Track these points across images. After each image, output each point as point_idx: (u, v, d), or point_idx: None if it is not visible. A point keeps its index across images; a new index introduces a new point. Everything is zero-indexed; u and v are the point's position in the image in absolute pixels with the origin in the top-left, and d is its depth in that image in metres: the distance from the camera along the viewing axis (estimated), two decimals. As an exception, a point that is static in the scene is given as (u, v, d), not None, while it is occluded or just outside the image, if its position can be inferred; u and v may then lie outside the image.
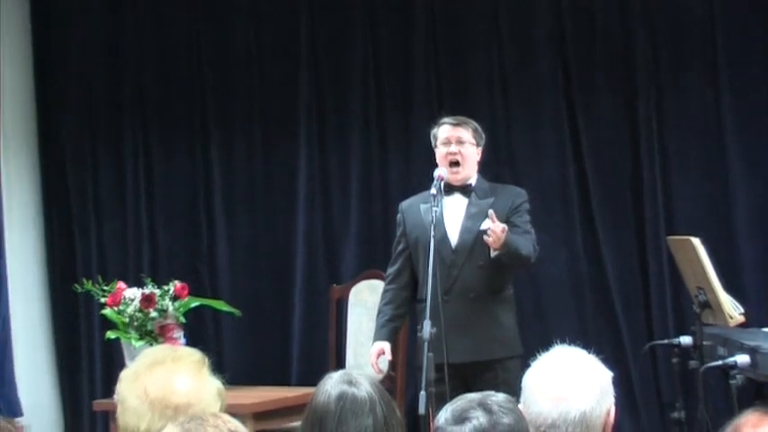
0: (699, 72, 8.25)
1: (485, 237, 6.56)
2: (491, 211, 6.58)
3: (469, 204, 6.86)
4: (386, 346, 6.98)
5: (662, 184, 8.28)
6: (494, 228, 6.51)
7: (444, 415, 3.48)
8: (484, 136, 6.99)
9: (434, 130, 6.97)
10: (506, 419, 3.45)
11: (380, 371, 6.99)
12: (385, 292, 7.21)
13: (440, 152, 6.87)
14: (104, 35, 8.99)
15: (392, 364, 7.78)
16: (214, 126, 8.89)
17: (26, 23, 9.10)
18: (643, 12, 8.29)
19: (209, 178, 8.90)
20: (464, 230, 6.83)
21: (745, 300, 7.24)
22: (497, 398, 3.55)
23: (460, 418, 3.45)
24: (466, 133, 6.90)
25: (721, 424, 3.19)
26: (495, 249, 6.63)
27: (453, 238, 6.83)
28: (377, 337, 7.05)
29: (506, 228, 6.56)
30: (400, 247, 7.06)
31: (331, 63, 8.76)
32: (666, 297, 8.17)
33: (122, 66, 8.99)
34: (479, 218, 6.78)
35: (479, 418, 3.43)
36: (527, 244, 6.79)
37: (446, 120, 6.97)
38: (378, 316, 7.17)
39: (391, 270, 7.13)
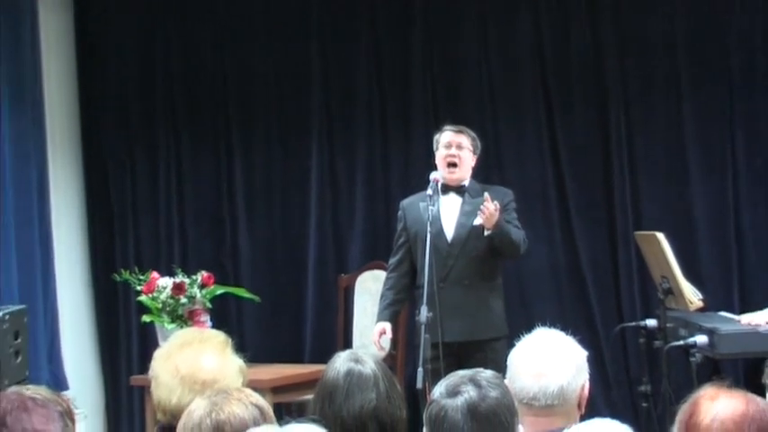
0: (662, 88, 8.27)
1: (478, 213, 6.59)
2: (486, 194, 6.61)
3: (463, 203, 6.89)
4: (387, 326, 7.01)
5: (630, 186, 8.29)
6: (487, 205, 6.54)
7: (439, 389, 3.50)
8: (480, 146, 7.03)
9: (437, 136, 7.00)
10: (494, 393, 3.46)
11: (382, 348, 7.00)
12: (387, 279, 7.22)
13: (440, 154, 6.90)
14: (140, 52, 8.94)
15: (393, 343, 7.80)
16: (236, 134, 8.85)
17: (70, 41, 9.06)
18: (613, 36, 8.31)
19: (231, 181, 8.87)
20: (459, 226, 6.86)
21: (703, 287, 7.27)
22: (486, 374, 3.56)
23: (453, 392, 3.46)
24: (465, 140, 6.94)
25: (682, 397, 3.19)
26: (487, 229, 6.66)
27: (449, 232, 6.85)
28: (379, 318, 7.07)
29: (498, 206, 6.59)
30: (401, 241, 7.09)
31: (339, 78, 8.74)
32: (634, 285, 8.18)
33: (156, 79, 8.94)
34: (473, 215, 6.81)
35: (470, 392, 3.45)
36: (518, 233, 6.85)
37: (449, 127, 7.00)
38: (380, 300, 7.19)
39: (393, 260, 7.16)
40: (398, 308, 7.22)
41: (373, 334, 7.03)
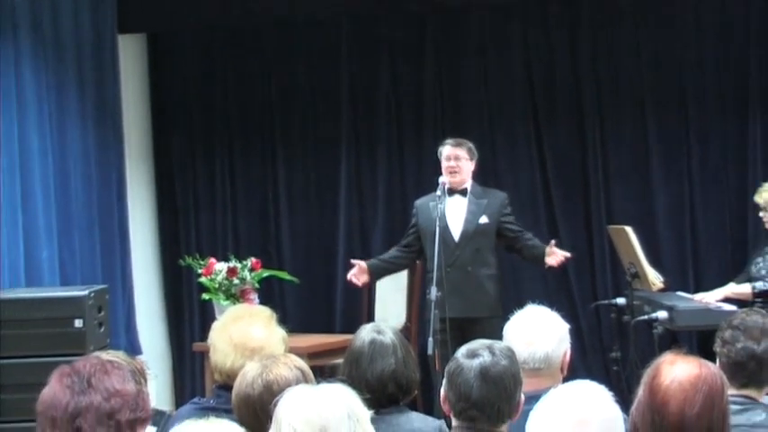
0: (630, 108, 8.28)
1: (547, 260, 6.85)
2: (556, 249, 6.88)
3: (469, 203, 6.93)
4: (364, 265, 7.07)
5: (603, 188, 8.29)
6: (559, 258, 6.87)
7: (461, 351, 3.51)
8: (476, 152, 7.02)
9: (440, 149, 7.01)
10: (504, 362, 3.46)
11: (355, 276, 7.08)
12: (392, 249, 7.32)
13: (443, 165, 6.93)
14: (201, 75, 8.96)
15: (408, 316, 7.84)
16: (279, 144, 8.85)
17: (144, 67, 9.09)
18: (589, 65, 8.32)
19: (275, 183, 8.87)
20: (466, 222, 6.89)
21: (664, 271, 7.25)
22: (500, 345, 3.57)
23: (472, 355, 3.47)
24: (462, 152, 6.95)
25: (646, 362, 3.17)
26: (548, 264, 6.92)
27: (456, 226, 6.89)
28: (368, 262, 7.14)
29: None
30: (412, 230, 7.13)
31: (363, 98, 8.73)
32: (607, 270, 8.18)
33: (214, 99, 8.95)
34: (477, 213, 6.88)
35: (485, 356, 3.45)
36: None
37: (448, 141, 7.02)
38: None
39: (402, 241, 7.23)
40: (386, 266, 7.29)
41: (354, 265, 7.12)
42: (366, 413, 2.78)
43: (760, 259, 6.95)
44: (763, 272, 6.84)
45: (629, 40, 8.23)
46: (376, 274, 7.24)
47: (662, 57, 8.19)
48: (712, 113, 8.12)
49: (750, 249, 7.57)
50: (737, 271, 7.30)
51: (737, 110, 8.06)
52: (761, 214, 6.99)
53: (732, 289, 6.92)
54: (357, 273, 7.05)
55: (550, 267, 7.01)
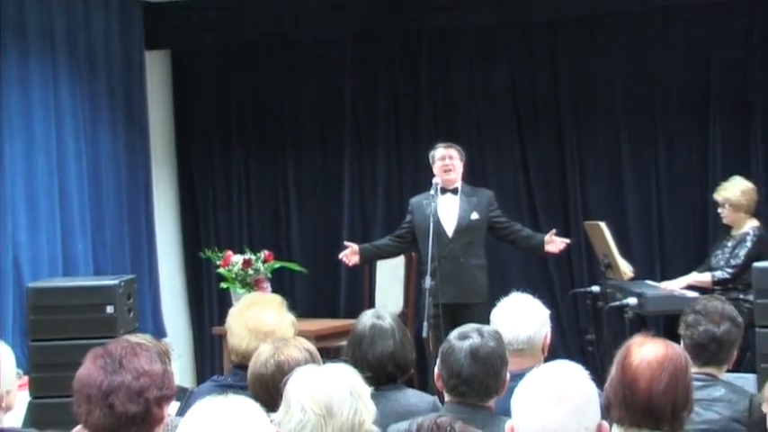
0: (604, 117, 8.27)
1: (553, 247, 6.85)
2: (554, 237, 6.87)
3: (461, 201, 6.91)
4: (356, 247, 7.04)
5: (580, 188, 8.30)
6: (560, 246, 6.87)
7: (453, 334, 3.54)
8: (464, 155, 7.02)
9: (432, 152, 6.99)
10: (492, 343, 3.48)
11: (345, 258, 7.04)
12: (385, 238, 7.32)
13: (437, 165, 6.91)
14: (219, 86, 8.97)
15: (404, 303, 7.83)
16: (289, 150, 8.85)
17: (168, 80, 9.10)
18: (567, 78, 8.32)
19: (285, 184, 8.87)
20: (460, 218, 6.87)
21: (633, 262, 7.27)
22: (488, 328, 3.59)
23: (463, 336, 3.49)
24: (454, 152, 6.94)
25: (618, 344, 3.17)
26: (546, 253, 6.97)
27: (449, 222, 6.86)
28: (361, 246, 7.11)
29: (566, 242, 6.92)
30: (406, 225, 7.10)
31: (365, 107, 8.73)
32: (583, 261, 8.18)
33: (231, 108, 8.96)
34: (469, 210, 6.87)
35: (475, 338, 3.47)
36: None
37: (441, 144, 7.01)
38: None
39: (396, 232, 7.21)
40: (378, 251, 7.26)
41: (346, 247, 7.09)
42: (366, 390, 2.78)
43: (719, 251, 6.96)
44: (722, 262, 6.85)
45: (602, 57, 8.22)
46: (366, 257, 7.19)
47: (632, 72, 8.18)
48: (677, 122, 8.12)
49: (710, 242, 7.57)
50: (699, 262, 7.31)
51: (699, 119, 8.05)
52: (719, 210, 7.00)
53: (694, 278, 6.93)
54: (349, 254, 7.03)
55: (549, 254, 6.97)
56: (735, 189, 6.92)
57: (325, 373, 2.76)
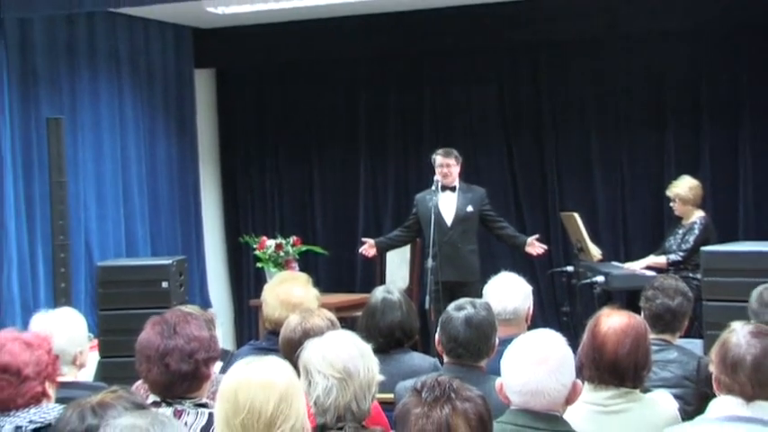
0: (577, 125, 8.22)
1: (534, 250, 6.74)
2: (535, 242, 6.76)
3: (458, 197, 6.86)
4: (372, 242, 7.00)
5: (558, 184, 8.26)
6: (539, 250, 6.76)
7: (451, 306, 3.52)
8: (461, 158, 6.99)
9: (433, 156, 6.95)
10: (483, 313, 3.47)
11: (366, 251, 6.99)
12: (395, 230, 7.28)
13: (438, 170, 6.85)
14: (255, 101, 8.94)
15: (410, 280, 7.82)
16: (314, 152, 8.82)
17: (213, 95, 9.09)
18: (548, 94, 8.26)
19: (311, 183, 8.84)
20: (457, 210, 6.83)
21: (601, 246, 7.24)
22: (480, 301, 3.57)
23: (459, 308, 3.47)
24: (451, 160, 6.87)
25: (589, 315, 3.19)
26: (528, 252, 6.81)
27: (448, 214, 6.81)
28: (376, 240, 7.08)
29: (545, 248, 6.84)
30: (412, 217, 7.03)
31: (377, 118, 8.68)
32: (559, 245, 8.12)
33: (266, 119, 8.94)
34: (464, 204, 6.83)
35: (469, 309, 3.45)
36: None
37: (440, 151, 6.93)
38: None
39: (404, 224, 7.16)
40: (390, 243, 7.20)
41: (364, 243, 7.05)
42: (369, 347, 2.73)
43: (672, 238, 6.93)
44: (675, 247, 6.82)
45: (576, 76, 8.17)
46: (382, 248, 7.19)
47: (600, 88, 8.12)
48: (638, 130, 8.07)
49: (665, 230, 7.54)
50: (656, 246, 7.27)
51: (656, 127, 8.00)
52: (671, 204, 6.99)
53: (652, 260, 6.90)
54: (367, 248, 7.02)
55: (528, 255, 6.93)
56: (683, 186, 6.90)
57: (333, 341, 2.70)
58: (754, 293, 3.83)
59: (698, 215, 6.86)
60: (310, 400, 2.59)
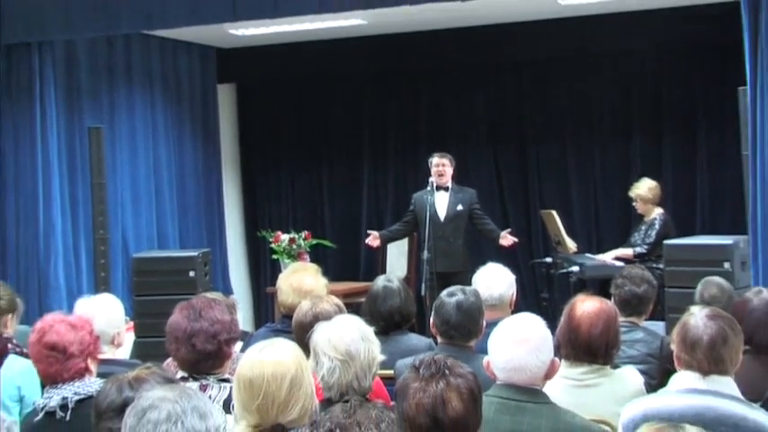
0: (556, 135, 8.19)
1: (507, 241, 6.64)
2: (508, 235, 6.65)
3: (450, 196, 6.82)
4: (376, 234, 6.94)
5: (538, 185, 8.25)
6: (511, 240, 6.66)
7: (444, 292, 3.51)
8: (454, 162, 6.97)
9: (430, 159, 6.93)
10: (472, 299, 3.47)
11: (372, 242, 6.91)
12: (394, 224, 7.24)
13: (433, 169, 6.83)
14: (271, 112, 8.92)
15: (408, 270, 7.80)
16: (324, 157, 8.79)
17: (234, 106, 9.07)
18: (530, 104, 8.24)
19: (320, 185, 8.81)
20: (449, 209, 6.79)
21: (577, 240, 7.22)
22: (470, 288, 3.58)
23: (451, 294, 3.47)
24: (446, 161, 6.85)
25: (565, 300, 3.19)
26: (502, 244, 6.69)
27: (441, 211, 6.78)
28: (380, 233, 7.03)
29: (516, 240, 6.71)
30: (410, 213, 6.99)
31: (379, 126, 8.66)
32: (539, 239, 8.11)
33: (280, 128, 8.90)
34: (456, 203, 6.79)
35: (460, 295, 3.45)
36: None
37: (436, 154, 6.91)
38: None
39: (403, 219, 7.11)
40: (392, 235, 7.12)
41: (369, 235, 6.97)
42: (371, 330, 2.72)
43: (636, 233, 6.94)
44: (639, 241, 6.82)
45: (554, 89, 8.16)
46: (384, 239, 7.16)
47: (575, 100, 8.12)
48: (608, 137, 8.05)
49: (632, 226, 7.53)
50: (624, 240, 7.26)
51: (624, 135, 8.00)
52: (633, 204, 7.01)
53: (620, 252, 6.88)
54: (371, 240, 6.98)
55: (502, 247, 6.89)
56: (643, 187, 6.92)
57: (339, 325, 2.69)
58: (697, 291, 3.88)
59: (657, 212, 6.87)
60: (318, 378, 2.59)
